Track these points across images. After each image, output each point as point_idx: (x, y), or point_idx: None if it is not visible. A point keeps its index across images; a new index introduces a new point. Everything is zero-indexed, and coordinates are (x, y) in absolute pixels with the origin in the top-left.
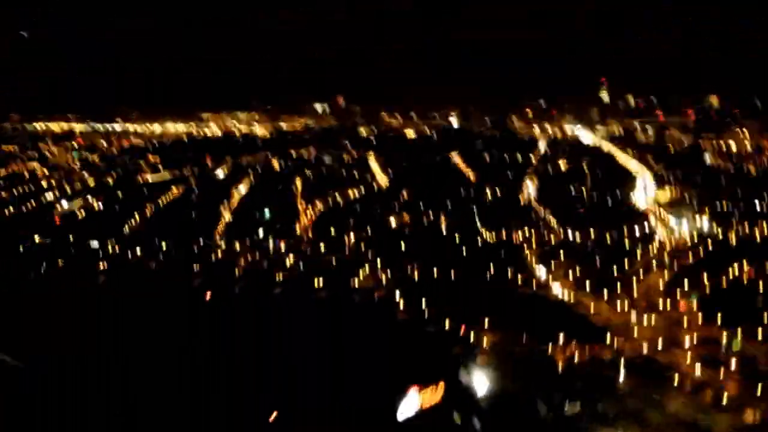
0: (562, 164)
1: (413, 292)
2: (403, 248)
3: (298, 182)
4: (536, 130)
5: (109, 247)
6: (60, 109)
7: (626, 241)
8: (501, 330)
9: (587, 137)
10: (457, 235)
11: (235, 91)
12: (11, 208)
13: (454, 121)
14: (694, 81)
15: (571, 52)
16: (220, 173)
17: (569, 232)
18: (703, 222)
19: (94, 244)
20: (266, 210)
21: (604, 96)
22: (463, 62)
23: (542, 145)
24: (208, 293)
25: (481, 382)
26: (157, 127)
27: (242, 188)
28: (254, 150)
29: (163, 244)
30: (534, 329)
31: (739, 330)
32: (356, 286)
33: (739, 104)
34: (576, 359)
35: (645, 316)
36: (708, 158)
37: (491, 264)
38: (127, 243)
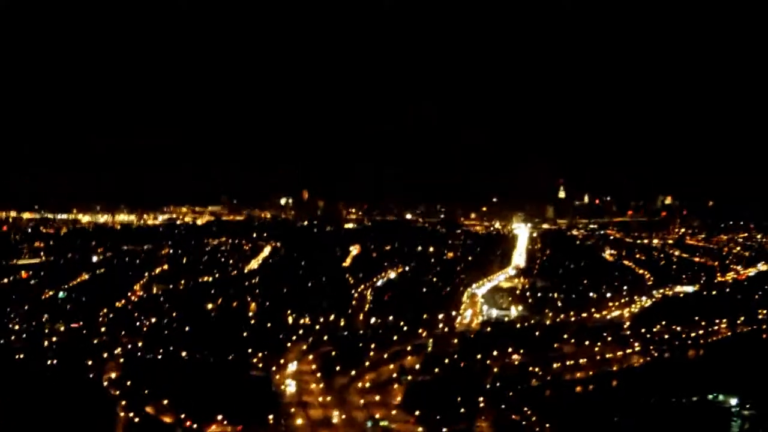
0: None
1: None
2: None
3: (159, 268)
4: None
5: None
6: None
7: None
8: None
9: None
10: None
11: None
12: None
13: (409, 216)
14: None
15: None
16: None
17: None
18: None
19: None
20: (61, 292)
21: (561, 194)
22: None
23: None
24: None
25: None
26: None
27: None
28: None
29: None
30: None
31: None
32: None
33: (689, 204)
34: None
35: None
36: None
37: None
38: None
